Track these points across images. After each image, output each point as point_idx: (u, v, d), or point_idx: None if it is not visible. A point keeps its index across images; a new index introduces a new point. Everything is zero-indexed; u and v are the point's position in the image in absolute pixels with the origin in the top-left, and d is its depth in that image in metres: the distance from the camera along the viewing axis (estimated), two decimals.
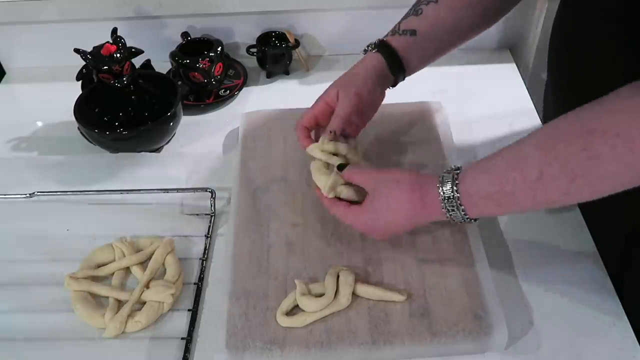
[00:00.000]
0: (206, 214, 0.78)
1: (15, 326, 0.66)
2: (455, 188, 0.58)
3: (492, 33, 1.06)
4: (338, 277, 0.66)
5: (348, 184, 0.67)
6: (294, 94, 1.00)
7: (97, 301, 0.68)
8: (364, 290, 0.65)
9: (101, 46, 0.82)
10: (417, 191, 0.61)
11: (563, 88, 0.75)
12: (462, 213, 0.58)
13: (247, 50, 1.01)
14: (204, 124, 0.95)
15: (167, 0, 0.98)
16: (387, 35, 0.74)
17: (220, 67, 0.96)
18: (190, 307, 0.68)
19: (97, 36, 0.83)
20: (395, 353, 0.62)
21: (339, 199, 0.68)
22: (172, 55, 0.95)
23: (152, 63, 0.95)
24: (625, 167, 0.47)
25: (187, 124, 0.92)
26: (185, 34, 1.00)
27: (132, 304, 0.66)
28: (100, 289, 0.68)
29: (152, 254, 0.71)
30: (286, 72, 1.04)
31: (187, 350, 0.64)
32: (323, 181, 0.68)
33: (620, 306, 0.67)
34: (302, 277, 0.67)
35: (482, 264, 0.68)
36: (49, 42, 1.03)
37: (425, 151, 0.83)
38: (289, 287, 0.67)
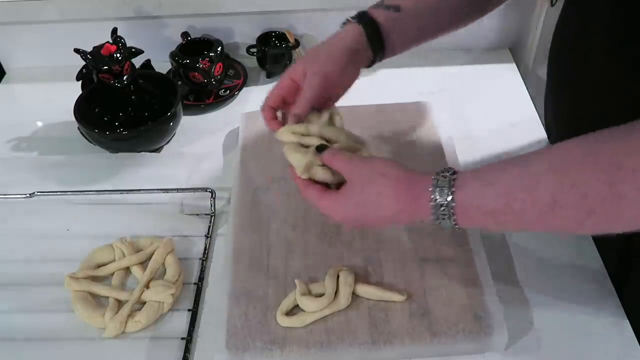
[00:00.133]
0: (206, 214, 0.78)
1: (15, 326, 0.66)
2: (451, 196, 0.52)
3: (492, 33, 1.06)
4: (338, 277, 0.66)
5: (325, 165, 0.62)
6: None
7: (97, 301, 0.68)
8: (364, 290, 0.65)
9: (101, 46, 0.82)
10: (404, 191, 0.56)
11: (566, 87, 0.73)
12: (453, 222, 0.53)
13: (247, 50, 1.01)
14: (204, 124, 0.95)
15: (167, 0, 0.98)
16: (370, 8, 0.69)
17: (220, 67, 0.96)
18: (190, 307, 0.68)
19: (97, 36, 0.84)
20: (395, 353, 0.62)
21: (314, 181, 0.62)
22: (172, 55, 0.95)
23: (152, 63, 0.95)
24: None
25: (187, 124, 0.92)
26: (185, 34, 1.00)
27: (132, 304, 0.66)
28: (100, 289, 0.68)
29: (152, 254, 0.71)
30: None
31: (187, 350, 0.64)
32: (297, 159, 0.62)
33: (620, 306, 0.67)
34: (302, 277, 0.67)
35: (482, 264, 0.68)
36: (49, 42, 1.03)
37: (425, 151, 0.83)
38: (289, 287, 0.67)
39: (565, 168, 0.46)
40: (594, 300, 0.67)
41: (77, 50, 0.82)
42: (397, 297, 0.64)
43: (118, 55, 0.82)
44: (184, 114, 0.91)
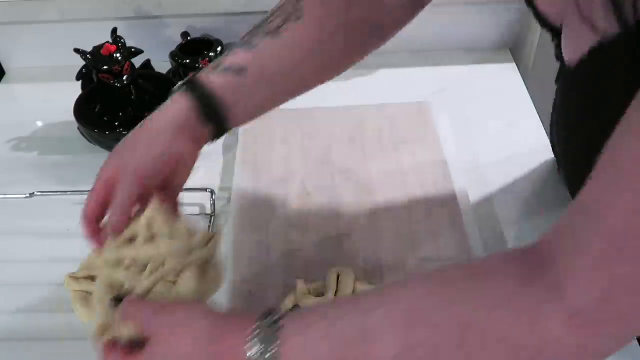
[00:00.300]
0: (206, 214, 0.78)
1: (15, 326, 0.66)
2: (272, 352, 0.41)
3: (492, 33, 1.06)
4: (338, 277, 0.66)
5: None
6: None
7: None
8: (364, 290, 0.65)
9: (101, 46, 0.82)
10: (210, 343, 0.44)
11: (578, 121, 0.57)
12: None
13: None
14: None
15: (167, 0, 0.98)
16: (203, 71, 0.55)
17: None
18: None
19: (97, 36, 0.84)
20: None
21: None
22: (172, 55, 0.95)
23: (152, 63, 0.95)
24: None
25: None
26: (185, 34, 1.00)
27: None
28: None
29: None
30: None
31: None
32: (86, 316, 0.51)
33: None
34: (302, 277, 0.67)
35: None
36: (49, 42, 1.03)
37: (425, 151, 0.83)
38: (289, 287, 0.67)
39: (410, 324, 0.40)
40: None
41: (77, 50, 0.82)
42: None
43: (118, 55, 0.82)
44: None
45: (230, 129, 0.56)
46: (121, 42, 0.84)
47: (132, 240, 0.52)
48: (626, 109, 0.33)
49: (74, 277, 0.68)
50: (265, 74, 0.55)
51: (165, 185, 0.55)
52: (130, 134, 0.55)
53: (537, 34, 1.01)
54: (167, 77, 0.95)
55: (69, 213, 0.78)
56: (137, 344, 0.47)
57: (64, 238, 0.76)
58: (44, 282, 0.69)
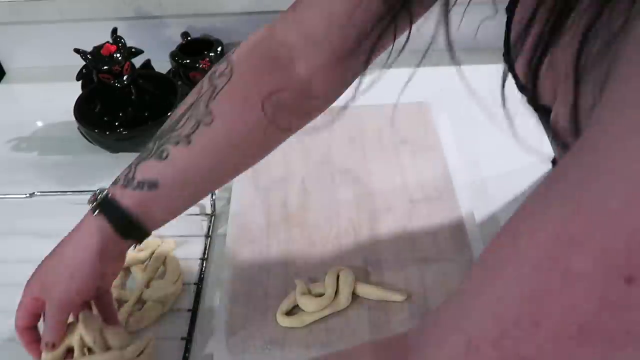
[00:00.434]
0: (206, 214, 0.78)
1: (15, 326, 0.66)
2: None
3: (492, 33, 1.06)
4: (338, 277, 0.66)
5: None
6: None
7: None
8: (364, 290, 0.65)
9: (101, 46, 0.82)
10: None
11: None
12: None
13: None
14: None
15: (167, 0, 0.98)
16: (116, 182, 0.55)
17: None
18: (190, 307, 0.68)
19: (97, 36, 0.84)
20: None
21: None
22: (172, 55, 0.95)
23: (152, 63, 0.95)
24: None
25: None
26: (185, 34, 1.00)
27: (132, 303, 0.66)
28: None
29: (152, 253, 0.71)
30: None
31: (187, 350, 0.64)
32: None
33: None
34: (302, 277, 0.67)
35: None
36: (49, 42, 1.03)
37: (425, 151, 0.83)
38: (289, 287, 0.67)
39: None
40: None
41: (77, 50, 0.82)
42: (397, 297, 0.64)
43: (118, 55, 0.82)
44: None
45: (150, 233, 0.56)
46: (121, 42, 0.84)
47: (69, 351, 0.56)
48: None
49: None
50: (179, 183, 0.54)
51: (96, 294, 0.57)
52: (49, 261, 0.55)
53: None
54: (167, 77, 0.95)
55: (69, 213, 0.79)
56: None
57: None
58: None
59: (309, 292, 0.66)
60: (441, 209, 0.74)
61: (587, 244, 0.26)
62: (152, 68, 0.95)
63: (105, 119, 0.88)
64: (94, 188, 0.81)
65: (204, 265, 0.72)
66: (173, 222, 0.77)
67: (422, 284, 0.66)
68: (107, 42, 0.83)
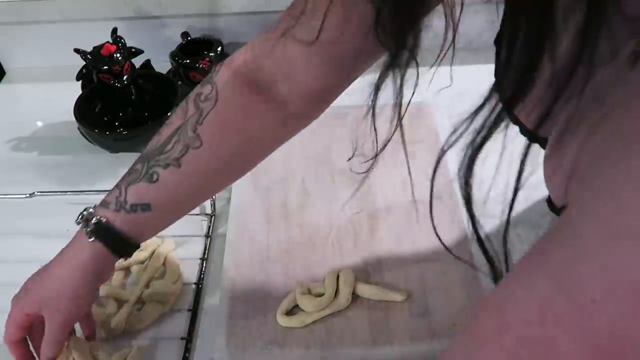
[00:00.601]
0: (206, 214, 0.78)
1: None
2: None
3: (492, 33, 1.06)
4: (338, 277, 0.66)
5: None
6: None
7: (97, 301, 0.68)
8: (364, 290, 0.65)
9: (101, 46, 0.82)
10: None
11: None
12: None
13: None
14: None
15: (167, 0, 0.98)
16: (106, 205, 0.56)
17: None
18: (190, 307, 0.68)
19: (97, 36, 0.84)
20: (395, 353, 0.62)
21: None
22: (172, 55, 0.95)
23: (152, 63, 0.95)
24: None
25: None
26: (185, 34, 1.00)
27: (132, 303, 0.66)
28: (100, 289, 0.68)
29: (152, 254, 0.71)
30: None
31: (187, 350, 0.64)
32: None
33: None
34: (302, 277, 0.67)
35: (482, 264, 0.68)
36: (49, 42, 1.03)
37: (424, 152, 0.83)
38: (289, 287, 0.67)
39: None
40: None
41: (77, 50, 0.82)
42: (397, 297, 0.64)
43: (118, 55, 0.82)
44: None
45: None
46: (121, 42, 0.84)
47: None
48: None
49: None
50: (171, 205, 0.57)
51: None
52: (45, 280, 0.57)
53: None
54: (167, 77, 0.95)
55: (69, 213, 0.79)
56: None
57: (64, 238, 0.75)
58: None
59: (309, 292, 0.66)
60: (441, 209, 0.74)
61: (571, 326, 0.27)
62: (152, 68, 0.95)
63: (105, 119, 0.88)
64: (94, 188, 0.81)
65: (204, 265, 0.72)
66: None
67: (422, 284, 0.66)
68: (107, 42, 0.83)
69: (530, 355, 0.28)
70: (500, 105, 0.37)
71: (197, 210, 0.78)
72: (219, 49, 0.96)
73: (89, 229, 0.55)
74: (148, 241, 0.72)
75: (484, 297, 0.32)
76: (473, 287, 0.66)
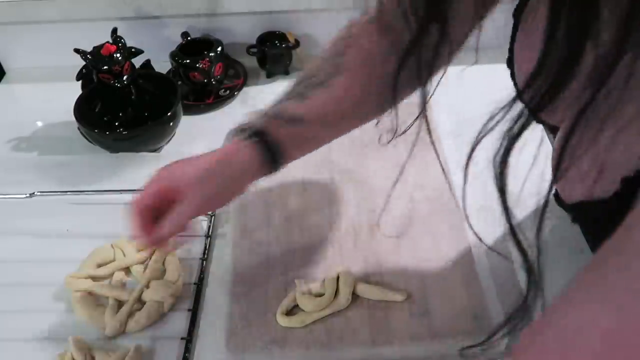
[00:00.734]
0: (206, 214, 0.78)
1: (15, 326, 0.66)
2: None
3: (492, 33, 1.06)
4: (338, 277, 0.66)
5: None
6: None
7: (97, 301, 0.68)
8: (364, 290, 0.65)
9: (101, 46, 0.82)
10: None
11: None
12: None
13: (247, 50, 1.01)
14: (204, 124, 0.95)
15: (167, 0, 0.98)
16: (264, 116, 0.58)
17: (220, 67, 0.96)
18: (190, 307, 0.68)
19: (97, 36, 0.84)
20: (395, 353, 0.62)
21: None
22: (172, 55, 0.95)
23: (152, 63, 0.95)
24: None
25: (187, 124, 0.92)
26: (185, 34, 1.00)
27: (132, 303, 0.66)
28: (100, 289, 0.68)
29: (152, 253, 0.71)
30: (286, 72, 1.04)
31: (187, 350, 0.64)
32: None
33: None
34: (302, 277, 0.67)
35: (482, 264, 0.68)
36: (49, 42, 1.03)
37: (425, 151, 0.83)
38: (289, 287, 0.67)
39: None
40: None
41: (77, 50, 0.82)
42: (397, 297, 0.64)
43: (118, 55, 0.82)
44: (184, 114, 0.91)
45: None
46: (121, 42, 0.84)
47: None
48: None
49: (74, 277, 0.68)
50: (318, 123, 0.59)
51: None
52: (191, 163, 0.58)
53: None
54: (167, 77, 0.95)
55: (69, 213, 0.79)
56: None
57: (64, 238, 0.76)
58: (44, 282, 0.69)
59: (309, 292, 0.66)
60: (441, 209, 0.74)
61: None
62: (152, 68, 0.95)
63: (105, 119, 0.88)
64: (94, 188, 0.81)
65: (204, 265, 0.72)
66: None
67: (422, 284, 0.66)
68: (107, 42, 0.83)
69: None
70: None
71: None
72: (219, 49, 0.96)
73: (248, 132, 0.57)
74: None
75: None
76: (473, 287, 0.66)
